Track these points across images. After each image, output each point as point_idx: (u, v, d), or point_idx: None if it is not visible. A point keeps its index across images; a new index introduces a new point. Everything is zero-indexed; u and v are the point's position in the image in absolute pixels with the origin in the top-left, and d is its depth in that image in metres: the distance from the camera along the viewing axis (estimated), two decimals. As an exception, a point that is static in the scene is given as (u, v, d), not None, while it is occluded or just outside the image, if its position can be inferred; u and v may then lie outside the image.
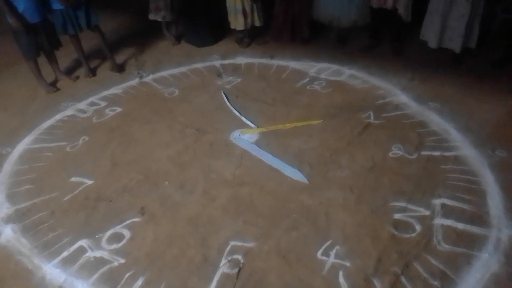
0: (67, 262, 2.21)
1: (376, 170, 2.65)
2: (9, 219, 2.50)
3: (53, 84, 3.99)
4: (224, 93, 3.66)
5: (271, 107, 3.41)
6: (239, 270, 2.08)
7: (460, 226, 2.23)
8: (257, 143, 3.00)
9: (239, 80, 3.88)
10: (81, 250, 2.26)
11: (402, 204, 2.39)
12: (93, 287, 2.07)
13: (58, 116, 3.51)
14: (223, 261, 2.13)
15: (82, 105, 3.66)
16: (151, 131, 3.23)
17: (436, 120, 3.08)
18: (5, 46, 4.70)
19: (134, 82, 3.99)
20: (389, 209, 2.36)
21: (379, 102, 3.36)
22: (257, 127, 3.16)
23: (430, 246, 2.13)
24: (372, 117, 3.16)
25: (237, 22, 4.27)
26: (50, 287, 2.09)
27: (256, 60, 4.23)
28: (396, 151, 2.80)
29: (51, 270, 2.17)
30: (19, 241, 2.35)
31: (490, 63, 3.69)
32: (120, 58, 4.47)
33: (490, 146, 2.77)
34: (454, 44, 3.52)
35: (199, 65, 4.22)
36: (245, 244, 2.22)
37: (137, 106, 3.58)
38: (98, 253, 2.24)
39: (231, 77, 3.93)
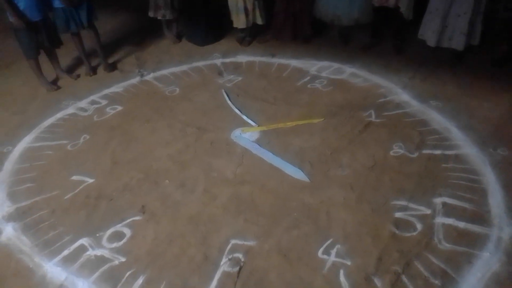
0: (68, 261, 2.21)
1: (377, 169, 2.64)
2: (10, 218, 2.51)
3: (54, 82, 3.99)
4: (225, 91, 3.65)
5: (272, 106, 3.41)
6: (240, 269, 2.08)
7: (461, 225, 2.22)
8: (258, 141, 2.99)
9: (240, 78, 3.87)
10: (82, 249, 2.27)
11: (403, 202, 2.38)
12: (93, 286, 2.07)
13: (59, 115, 3.51)
14: (224, 259, 2.13)
15: (83, 103, 3.65)
16: (152, 130, 3.22)
17: (437, 119, 3.07)
18: (6, 45, 4.71)
19: (135, 80, 3.99)
20: (390, 208, 2.36)
21: (380, 100, 3.35)
22: (258, 126, 3.16)
23: (431, 245, 2.13)
24: (373, 116, 3.15)
25: (239, 21, 4.26)
26: (51, 286, 2.09)
27: (257, 59, 4.22)
28: (397, 149, 2.79)
29: (52, 269, 2.18)
30: (20, 239, 2.36)
31: (490, 62, 3.68)
32: (121, 56, 4.47)
33: (491, 144, 2.76)
34: (455, 42, 3.50)
35: (200, 64, 4.21)
36: (245, 243, 2.22)
37: (138, 104, 3.58)
38: (98, 252, 2.24)
39: (232, 76, 3.93)
